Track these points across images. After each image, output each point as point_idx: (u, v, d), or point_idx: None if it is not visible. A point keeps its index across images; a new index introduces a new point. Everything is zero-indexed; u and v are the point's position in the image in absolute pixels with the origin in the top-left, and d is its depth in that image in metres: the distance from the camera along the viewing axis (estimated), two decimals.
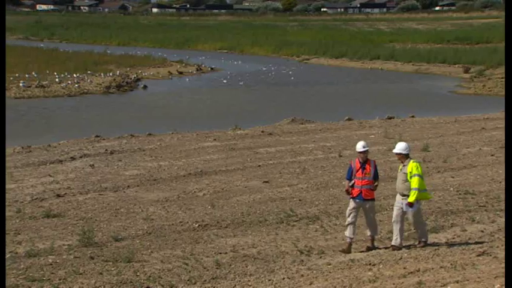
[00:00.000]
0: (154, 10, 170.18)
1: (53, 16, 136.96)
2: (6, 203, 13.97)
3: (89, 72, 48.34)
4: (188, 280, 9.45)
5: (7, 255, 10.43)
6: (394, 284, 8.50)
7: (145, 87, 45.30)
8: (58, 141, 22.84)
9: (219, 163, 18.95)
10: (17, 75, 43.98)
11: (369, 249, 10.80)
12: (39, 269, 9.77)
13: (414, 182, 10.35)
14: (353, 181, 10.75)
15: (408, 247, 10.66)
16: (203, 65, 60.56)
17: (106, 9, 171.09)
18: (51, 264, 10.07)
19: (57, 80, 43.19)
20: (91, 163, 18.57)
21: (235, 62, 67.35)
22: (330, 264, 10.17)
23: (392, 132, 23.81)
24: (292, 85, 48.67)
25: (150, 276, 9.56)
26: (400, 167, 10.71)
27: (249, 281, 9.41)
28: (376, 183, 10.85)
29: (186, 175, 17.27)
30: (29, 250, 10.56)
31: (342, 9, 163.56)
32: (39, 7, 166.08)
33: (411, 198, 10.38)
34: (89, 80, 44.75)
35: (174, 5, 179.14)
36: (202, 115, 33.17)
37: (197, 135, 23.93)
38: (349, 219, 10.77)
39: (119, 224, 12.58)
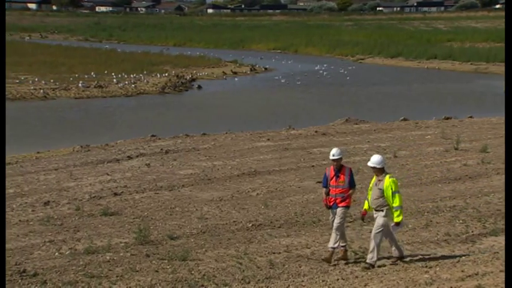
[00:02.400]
0: (210, 11, 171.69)
1: (111, 18, 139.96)
2: (66, 201, 14.35)
3: (145, 72, 49.17)
4: (242, 279, 9.49)
5: (67, 252, 10.71)
6: (451, 287, 8.33)
7: (199, 87, 45.75)
8: (115, 140, 23.30)
9: (272, 163, 18.96)
10: (76, 75, 45.10)
11: (341, 259, 10.26)
12: (97, 266, 9.98)
13: (396, 201, 9.73)
14: (328, 189, 10.26)
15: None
16: (257, 65, 60.78)
17: (162, 11, 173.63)
18: (108, 261, 10.27)
19: (114, 80, 44.08)
20: (147, 162, 18.86)
21: (289, 62, 67.30)
22: (385, 266, 10.04)
23: (450, 132, 23.34)
24: (347, 85, 48.31)
25: (204, 275, 9.64)
26: (374, 181, 10.05)
27: (302, 281, 9.38)
28: (351, 192, 10.20)
29: (239, 175, 17.35)
30: (88, 247, 10.80)
31: (398, 8, 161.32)
32: (98, 9, 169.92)
33: (398, 218, 9.78)
34: (145, 80, 45.51)
35: (229, 6, 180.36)
36: (256, 115, 33.26)
37: (251, 135, 24.01)
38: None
39: (174, 222, 12.73)
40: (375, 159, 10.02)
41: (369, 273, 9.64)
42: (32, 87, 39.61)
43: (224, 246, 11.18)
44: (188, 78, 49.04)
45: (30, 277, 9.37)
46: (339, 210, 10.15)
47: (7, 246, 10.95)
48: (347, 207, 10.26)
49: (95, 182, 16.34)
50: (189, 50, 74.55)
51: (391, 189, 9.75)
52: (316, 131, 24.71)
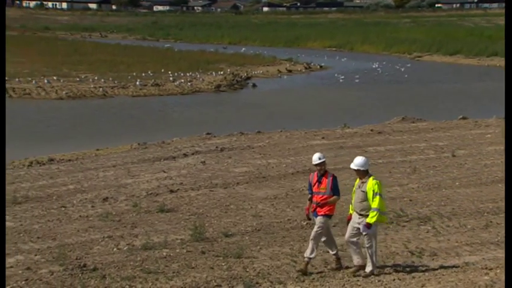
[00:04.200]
0: (265, 9, 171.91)
1: (168, 17, 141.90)
2: (124, 197, 14.64)
3: (200, 71, 49.65)
4: (297, 278, 9.47)
5: (125, 248, 10.92)
6: None
7: (254, 85, 45.88)
8: (171, 138, 23.62)
9: (327, 161, 18.81)
10: (134, 74, 45.93)
11: (336, 269, 9.68)
12: (154, 262, 10.14)
13: (376, 202, 9.16)
14: (311, 196, 9.69)
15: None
16: (312, 63, 60.51)
17: (218, 9, 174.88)
18: (165, 257, 10.42)
19: (171, 78, 44.70)
20: (202, 160, 19.04)
21: (344, 60, 66.77)
22: (442, 267, 9.86)
23: None
24: (404, 83, 47.60)
25: (259, 273, 9.67)
26: (357, 183, 9.49)
27: (358, 280, 9.30)
28: (332, 199, 9.49)
29: (294, 173, 17.32)
30: (145, 243, 10.98)
31: (458, 5, 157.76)
32: (156, 8, 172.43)
33: (371, 219, 9.19)
34: (201, 79, 45.96)
35: (285, 4, 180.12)
36: (310, 113, 33.14)
37: (305, 134, 23.93)
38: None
39: (228, 220, 12.82)
40: (358, 161, 9.43)
41: (427, 273, 9.47)
42: (92, 86, 40.57)
43: (279, 244, 11.18)
44: (243, 76, 49.25)
45: (90, 271, 9.59)
46: (318, 219, 9.47)
47: (68, 240, 11.26)
48: (327, 216, 9.52)
49: (152, 179, 16.60)
50: (245, 48, 74.87)
51: (373, 190, 9.20)
52: (371, 130, 24.43)
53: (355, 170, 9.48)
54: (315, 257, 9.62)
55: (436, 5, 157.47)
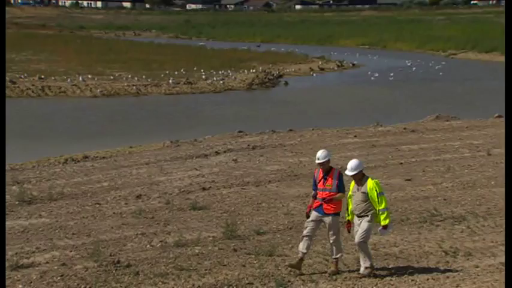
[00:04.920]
0: (298, 7, 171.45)
1: (201, 15, 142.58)
2: (157, 195, 14.76)
3: (233, 68, 49.77)
4: (329, 276, 9.45)
5: (158, 245, 11.02)
6: None
7: (286, 83, 45.83)
8: (204, 136, 23.73)
9: (361, 158, 18.71)
10: (167, 72, 46.27)
11: (333, 273, 9.44)
12: (186, 259, 10.20)
13: (383, 202, 9.04)
14: (315, 192, 9.49)
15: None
16: (344, 61, 60.19)
17: (251, 7, 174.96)
18: (197, 254, 10.48)
19: (203, 76, 44.91)
20: (234, 158, 19.09)
21: (376, 58, 66.25)
22: (478, 267, 9.73)
23: None
24: (439, 81, 47.04)
25: (291, 271, 9.65)
26: (352, 187, 9.30)
27: (391, 280, 9.23)
28: (338, 195, 9.29)
29: None
30: (177, 240, 11.06)
31: (494, 1, 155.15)
32: (189, 6, 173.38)
33: (385, 221, 9.09)
34: (233, 77, 46.08)
35: (317, 1, 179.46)
36: (342, 111, 32.98)
37: (337, 132, 23.82)
38: (304, 232, 9.47)
39: (260, 218, 12.83)
40: (353, 165, 9.19)
41: (461, 273, 9.36)
42: (126, 84, 40.99)
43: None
44: (275, 74, 49.22)
45: (123, 268, 9.70)
46: (331, 221, 9.31)
47: (102, 237, 11.41)
48: (337, 214, 9.37)
49: (184, 176, 16.71)
50: (277, 46, 74.83)
51: (376, 190, 9.05)
52: (405, 128, 24.21)
53: (352, 175, 9.21)
54: (342, 256, 9.59)
55: (472, 2, 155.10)
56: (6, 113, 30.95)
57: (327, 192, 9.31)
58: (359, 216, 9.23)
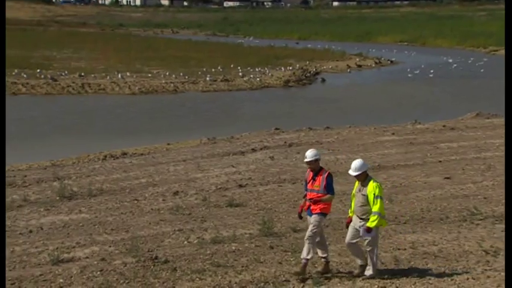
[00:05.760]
0: (335, 4, 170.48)
1: (238, 12, 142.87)
2: (194, 191, 14.87)
3: (269, 66, 49.75)
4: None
5: (195, 241, 11.10)
6: None
7: (323, 80, 45.61)
8: (240, 133, 23.80)
9: (397, 158, 18.56)
10: (204, 69, 46.50)
11: (322, 273, 9.22)
12: (223, 256, 10.25)
13: (376, 206, 8.82)
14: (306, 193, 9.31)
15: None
16: (382, 58, 59.62)
17: (288, 5, 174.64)
18: (234, 251, 10.52)
19: (240, 74, 44.99)
20: (271, 155, 19.10)
21: (414, 54, 65.47)
22: None
23: None
24: (480, 78, 46.25)
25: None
26: (356, 187, 9.15)
27: (429, 279, 9.12)
28: (326, 197, 9.05)
29: None
30: (214, 237, 11.12)
31: None
32: (226, 4, 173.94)
33: (372, 224, 8.85)
34: (269, 74, 46.06)
35: None
36: (380, 109, 32.69)
37: (375, 129, 23.63)
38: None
39: (295, 215, 12.79)
40: (357, 165, 9.01)
41: (502, 273, 9.19)
42: (164, 81, 41.34)
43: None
44: (312, 71, 49.04)
45: (161, 263, 9.80)
46: (313, 218, 9.09)
47: (140, 233, 11.54)
48: (322, 214, 9.11)
49: (221, 173, 16.78)
50: (314, 44, 74.55)
51: (374, 193, 8.85)
52: (444, 126, 23.88)
53: (356, 175, 9.05)
54: (312, 258, 9.21)
55: None
56: (48, 109, 31.61)
57: (315, 193, 9.09)
58: (361, 218, 9.03)
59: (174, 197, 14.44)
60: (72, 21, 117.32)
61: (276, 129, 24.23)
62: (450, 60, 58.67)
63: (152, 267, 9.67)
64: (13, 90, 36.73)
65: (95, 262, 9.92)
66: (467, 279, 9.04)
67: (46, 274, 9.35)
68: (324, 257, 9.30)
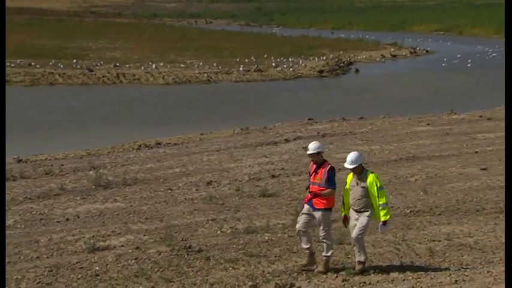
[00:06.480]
0: None
1: (272, 2, 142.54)
2: (227, 181, 14.92)
3: (303, 56, 49.57)
4: (400, 265, 9.31)
5: (228, 231, 11.15)
6: None
7: (357, 70, 45.29)
8: (273, 123, 23.79)
9: (432, 148, 18.35)
10: (237, 59, 46.57)
11: (321, 272, 8.87)
12: (256, 245, 10.28)
13: (383, 198, 8.58)
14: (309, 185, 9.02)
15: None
16: (417, 48, 58.90)
17: None
18: (267, 241, 10.54)
19: (273, 64, 44.94)
20: (304, 145, 19.03)
21: (451, 44, 64.48)
22: None
23: None
24: None
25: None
26: (350, 179, 8.86)
27: (465, 271, 9.01)
28: (327, 191, 8.78)
29: (397, 160, 17.00)
30: (247, 227, 11.15)
31: None
32: None
33: (385, 217, 8.59)
34: (303, 64, 45.91)
35: None
36: (415, 99, 32.32)
37: (409, 120, 23.39)
38: (297, 225, 9.01)
39: None
40: (353, 158, 8.75)
41: None
42: (197, 71, 41.54)
43: (381, 231, 11.01)
44: (346, 61, 48.72)
45: (195, 253, 9.87)
46: (319, 216, 8.84)
47: (174, 222, 11.64)
48: (327, 209, 8.87)
49: (254, 163, 16.81)
50: (348, 33, 73.95)
51: (376, 185, 8.59)
52: (480, 116, 23.52)
53: (352, 168, 8.80)
54: (332, 253, 9.08)
55: None
56: (84, 99, 32.02)
57: (316, 186, 8.86)
58: (358, 211, 8.81)
59: (208, 186, 14.52)
60: (108, 11, 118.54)
61: (309, 119, 24.15)
62: (488, 50, 57.66)
63: (186, 256, 9.75)
64: (50, 81, 37.33)
65: (130, 250, 10.04)
66: (504, 271, 8.89)
67: (82, 262, 9.50)
68: (307, 248, 9.07)
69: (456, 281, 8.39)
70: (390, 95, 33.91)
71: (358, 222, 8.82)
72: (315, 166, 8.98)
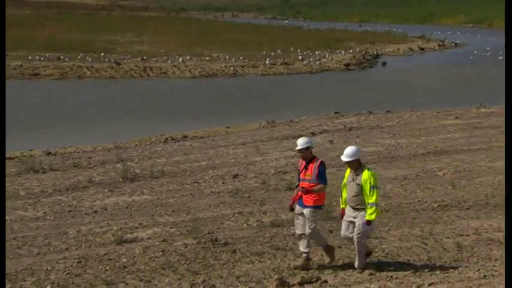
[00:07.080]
0: None
1: None
2: (253, 174, 14.94)
3: (329, 49, 49.35)
4: (427, 260, 9.25)
5: (254, 224, 11.18)
6: None
7: (384, 64, 44.96)
8: (300, 116, 23.74)
9: (460, 142, 18.16)
10: (264, 53, 46.53)
11: (297, 268, 8.76)
12: (282, 239, 10.29)
13: (373, 197, 8.39)
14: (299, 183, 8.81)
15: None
16: (446, 40, 58.24)
17: None
18: (293, 234, 10.52)
19: (299, 57, 44.81)
20: (330, 139, 18.99)
21: (479, 36, 63.63)
22: None
23: None
24: None
25: (388, 254, 9.54)
26: (347, 175, 8.71)
27: (494, 266, 8.92)
28: (318, 187, 8.62)
29: (425, 153, 16.86)
30: (273, 220, 11.17)
31: None
32: None
33: (371, 217, 8.42)
34: (329, 57, 45.72)
35: None
36: (443, 92, 31.99)
37: (437, 113, 23.17)
38: (297, 230, 8.88)
39: None
40: (350, 151, 8.58)
41: None
42: (223, 65, 41.61)
43: (408, 226, 10.96)
44: (373, 54, 48.39)
45: (221, 246, 9.92)
46: (308, 213, 8.66)
47: (201, 215, 11.70)
48: (316, 207, 8.72)
49: (280, 157, 16.81)
50: (375, 26, 73.40)
51: (370, 183, 8.40)
52: None
53: (347, 162, 8.62)
54: (310, 251, 8.93)
55: None
56: (112, 93, 32.30)
57: (307, 182, 8.67)
58: (355, 208, 8.65)
59: (234, 180, 14.56)
60: (135, 5, 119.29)
61: (336, 112, 24.06)
62: None
63: (212, 248, 9.80)
64: (78, 74, 37.73)
65: (157, 243, 10.12)
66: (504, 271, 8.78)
67: (110, 253, 9.61)
68: (305, 252, 8.92)
69: (485, 275, 8.32)
70: (418, 89, 33.61)
71: (356, 223, 8.65)
72: (304, 162, 8.79)
